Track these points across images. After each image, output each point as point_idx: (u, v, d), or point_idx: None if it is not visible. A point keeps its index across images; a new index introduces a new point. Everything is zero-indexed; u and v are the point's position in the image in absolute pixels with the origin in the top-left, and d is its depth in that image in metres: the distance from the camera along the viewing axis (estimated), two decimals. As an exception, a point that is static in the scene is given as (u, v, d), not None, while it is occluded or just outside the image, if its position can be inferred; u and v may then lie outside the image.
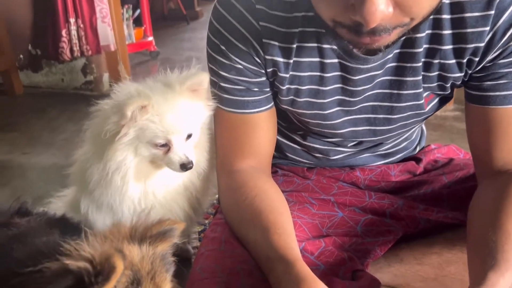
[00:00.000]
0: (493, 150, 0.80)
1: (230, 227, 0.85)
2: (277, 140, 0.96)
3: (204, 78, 0.89)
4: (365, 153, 0.99)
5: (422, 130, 1.10)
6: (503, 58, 0.76)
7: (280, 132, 0.96)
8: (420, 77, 0.81)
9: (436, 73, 0.80)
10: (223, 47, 0.81)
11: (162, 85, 0.92)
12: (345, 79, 0.82)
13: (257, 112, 0.86)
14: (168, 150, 0.92)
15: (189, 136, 0.94)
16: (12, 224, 0.81)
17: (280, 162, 1.05)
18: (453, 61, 0.78)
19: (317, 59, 0.80)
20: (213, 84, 0.87)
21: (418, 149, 1.08)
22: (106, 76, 2.86)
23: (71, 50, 2.54)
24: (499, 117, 0.79)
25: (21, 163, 1.93)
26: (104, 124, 0.88)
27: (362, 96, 0.84)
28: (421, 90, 0.82)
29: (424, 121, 1.06)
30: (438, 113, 0.96)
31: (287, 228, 0.78)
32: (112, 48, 2.68)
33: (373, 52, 0.76)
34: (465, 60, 0.77)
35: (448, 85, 0.81)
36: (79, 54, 2.58)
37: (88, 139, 0.97)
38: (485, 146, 0.81)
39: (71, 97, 2.82)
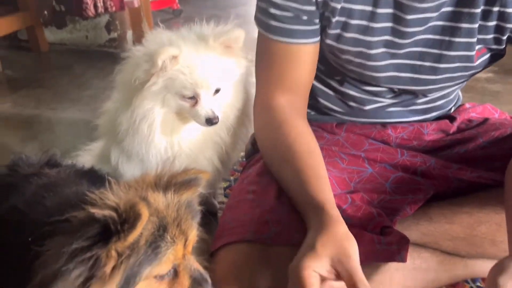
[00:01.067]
0: None
1: (265, 163, 0.86)
2: (312, 85, 0.94)
3: (240, 35, 0.87)
4: (400, 107, 0.96)
5: (459, 93, 1.06)
6: None
7: (316, 77, 0.94)
8: (476, 25, 0.77)
9: (494, 23, 0.77)
10: None
11: (195, 37, 0.90)
12: (397, 18, 0.79)
13: (303, 43, 0.84)
14: (195, 103, 0.91)
15: (217, 91, 0.93)
16: (42, 174, 0.82)
17: (309, 118, 1.03)
18: (496, 8, 0.75)
19: (365, 7, 0.78)
20: (261, 11, 0.84)
21: (453, 109, 1.05)
22: (129, 34, 2.84)
23: (95, 6, 2.51)
24: None
25: (48, 118, 1.95)
26: (135, 71, 0.87)
27: (412, 40, 0.81)
28: (475, 40, 0.79)
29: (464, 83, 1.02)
30: None
31: (321, 171, 0.78)
32: (136, 5, 2.65)
33: None
34: (509, 10, 0.74)
35: (505, 37, 0.78)
36: (102, 11, 2.56)
37: (118, 86, 0.97)
38: None
39: (95, 54, 2.82)
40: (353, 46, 0.83)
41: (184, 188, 0.65)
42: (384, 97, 0.94)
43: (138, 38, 2.90)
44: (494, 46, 0.80)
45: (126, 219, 0.55)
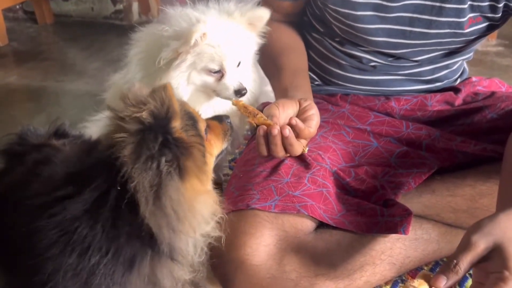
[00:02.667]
0: None
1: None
2: (314, 51, 0.98)
3: (265, 15, 0.91)
4: (401, 75, 0.96)
5: (464, 66, 1.05)
6: None
7: (318, 40, 0.98)
8: None
9: None
10: None
11: (217, 12, 0.92)
12: None
13: None
14: (221, 77, 0.92)
15: (239, 64, 0.94)
16: (50, 146, 0.83)
17: (314, 89, 1.03)
18: None
19: None
20: None
21: (458, 81, 1.04)
22: (135, 6, 2.81)
23: (100, -23, 2.48)
24: None
25: (55, 90, 1.95)
26: (161, 51, 0.88)
27: (401, 3, 0.80)
28: (466, 6, 0.78)
29: (470, 56, 1.01)
30: (479, 47, 0.91)
31: (296, 68, 0.91)
32: (141, -24, 2.62)
33: None
34: None
35: (501, 5, 0.76)
36: (108, -18, 2.53)
37: (134, 63, 0.97)
38: None
39: (101, 27, 2.80)
40: (340, 7, 0.84)
41: None
42: (382, 60, 0.94)
43: (144, 10, 2.88)
44: (490, 15, 0.79)
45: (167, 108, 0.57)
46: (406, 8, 0.81)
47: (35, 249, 0.58)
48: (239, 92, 0.92)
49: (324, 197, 0.77)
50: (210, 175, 0.66)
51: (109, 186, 0.58)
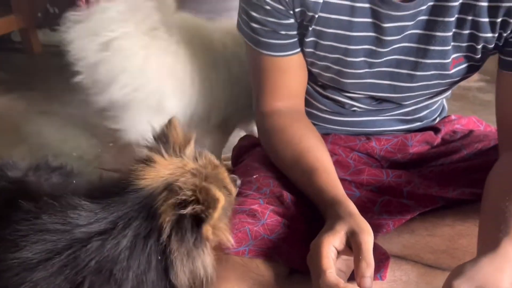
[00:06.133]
0: None
1: (277, 166, 0.88)
2: None
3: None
4: (382, 116, 0.96)
5: (443, 104, 1.06)
6: None
7: None
8: (451, 34, 0.78)
9: (468, 31, 0.77)
10: None
11: None
12: (376, 26, 0.79)
13: (284, 56, 0.85)
14: None
15: None
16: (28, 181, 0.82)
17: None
18: (486, 19, 0.75)
19: (347, 2, 0.78)
20: (243, 22, 0.86)
21: (438, 120, 1.05)
22: (123, 37, 2.84)
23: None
24: None
25: (38, 121, 1.94)
26: None
27: (390, 48, 0.81)
28: (449, 48, 0.79)
29: (449, 95, 1.02)
30: (461, 83, 0.93)
31: (331, 167, 0.81)
32: (130, 8, 2.65)
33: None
34: (499, 20, 0.75)
35: (479, 46, 0.78)
36: (96, 13, 2.56)
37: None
38: (507, 121, 0.80)
39: (89, 57, 2.82)
40: (331, 53, 0.84)
41: None
42: (365, 104, 0.94)
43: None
44: (470, 54, 0.80)
45: (208, 204, 0.59)
46: (394, 51, 0.83)
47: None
48: None
49: (301, 243, 0.76)
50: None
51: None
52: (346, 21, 0.79)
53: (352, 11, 0.78)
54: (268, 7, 0.79)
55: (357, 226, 0.67)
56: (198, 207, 0.59)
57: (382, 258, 0.77)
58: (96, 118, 1.89)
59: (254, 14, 0.81)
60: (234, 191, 0.74)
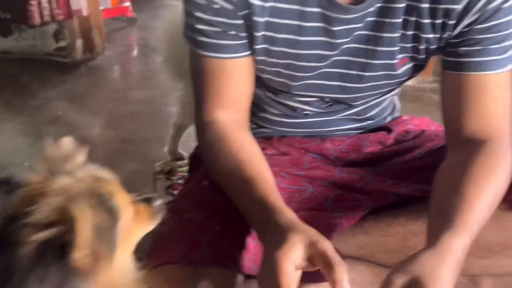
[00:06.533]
0: (463, 117, 0.80)
1: (215, 180, 0.84)
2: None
3: None
4: (334, 115, 0.97)
5: (394, 103, 1.08)
6: (480, 23, 0.74)
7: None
8: (397, 35, 0.79)
9: (412, 32, 0.79)
10: None
11: None
12: (326, 30, 0.79)
13: (234, 57, 0.83)
14: None
15: None
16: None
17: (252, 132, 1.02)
18: (428, 20, 0.76)
19: (297, 7, 0.77)
20: (189, 27, 0.83)
21: (389, 118, 1.06)
22: (79, 43, 2.77)
23: (41, 14, 2.44)
24: (472, 84, 0.78)
25: (-13, 131, 1.87)
26: None
27: (339, 50, 0.82)
28: (396, 48, 0.81)
29: (398, 92, 1.04)
30: (416, 85, 0.96)
31: (270, 178, 0.78)
32: (85, 13, 2.59)
33: (356, 2, 0.75)
34: (438, 22, 0.76)
35: (422, 47, 0.80)
36: (49, 19, 2.48)
37: None
38: (455, 113, 0.81)
39: (43, 64, 2.74)
40: (282, 59, 0.83)
41: None
42: (316, 107, 0.94)
43: (88, 47, 2.84)
44: (414, 55, 0.82)
45: (69, 226, 0.52)
46: (343, 53, 0.83)
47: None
48: None
49: (254, 247, 0.75)
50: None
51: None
52: (296, 25, 0.79)
53: (302, 15, 0.78)
54: (217, 6, 0.78)
55: (311, 236, 0.65)
56: (56, 231, 0.52)
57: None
58: (49, 126, 1.84)
59: (202, 15, 0.79)
60: (127, 206, 0.64)
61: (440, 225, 0.69)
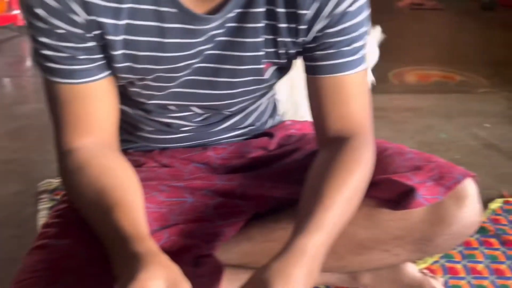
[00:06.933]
0: (326, 118, 0.82)
1: (81, 213, 0.76)
2: (126, 115, 0.90)
3: None
4: (214, 128, 0.96)
5: (274, 105, 1.09)
6: (330, 27, 0.77)
7: (121, 111, 0.88)
8: (261, 39, 0.79)
9: (272, 36, 0.79)
10: (38, 10, 0.69)
11: None
12: (189, 44, 0.77)
13: (89, 82, 0.76)
14: None
15: None
16: None
17: (130, 146, 0.98)
18: (284, 25, 0.78)
19: (155, 24, 0.74)
20: (35, 52, 0.75)
21: (270, 122, 1.07)
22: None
23: None
24: (330, 86, 0.81)
25: None
26: None
27: (204, 57, 0.80)
28: (261, 53, 0.81)
29: (274, 94, 1.05)
30: None
31: (133, 205, 0.72)
32: (-37, 22, 2.37)
33: (215, 9, 0.74)
34: (293, 26, 0.78)
35: (282, 51, 0.81)
36: None
37: None
38: (319, 115, 0.83)
39: None
40: (147, 75, 0.80)
41: None
42: (192, 121, 0.93)
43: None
44: (275, 60, 0.83)
45: None
46: (209, 59, 0.81)
47: None
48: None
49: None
50: None
51: None
52: (157, 42, 0.75)
53: (162, 32, 0.75)
54: (61, 31, 0.71)
55: (174, 274, 0.60)
56: None
57: (214, 272, 0.76)
58: None
59: (46, 40, 0.72)
60: None
61: (296, 226, 0.71)
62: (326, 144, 0.84)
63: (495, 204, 1.36)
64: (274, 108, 1.09)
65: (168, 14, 0.73)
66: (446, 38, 2.99)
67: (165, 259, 0.63)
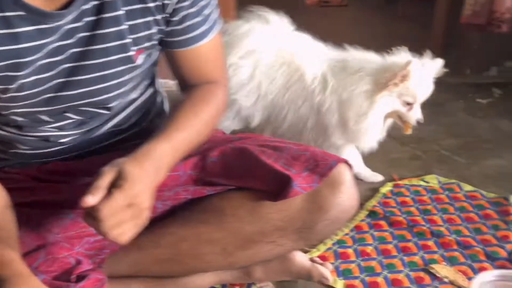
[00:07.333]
0: (186, 79, 0.93)
1: None
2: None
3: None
4: (95, 132, 0.94)
5: (162, 103, 1.07)
6: (184, 1, 0.83)
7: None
8: (125, 27, 0.80)
9: (142, 20, 0.82)
10: None
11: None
12: (48, 43, 0.76)
13: None
14: (410, 108, 1.33)
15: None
16: None
17: (8, 164, 0.95)
18: (152, 4, 0.81)
19: (5, 31, 0.72)
20: None
21: (157, 122, 1.02)
22: None
23: None
24: (186, 57, 0.90)
25: None
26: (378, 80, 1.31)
27: (67, 56, 0.79)
28: (128, 41, 0.81)
29: (159, 90, 1.04)
30: None
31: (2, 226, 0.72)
32: None
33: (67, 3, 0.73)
34: (160, 3, 0.81)
35: (154, 31, 0.84)
36: None
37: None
38: (180, 77, 0.94)
39: None
40: (8, 84, 0.77)
41: None
42: (71, 129, 0.90)
43: None
44: (147, 44, 0.85)
45: None
46: (71, 59, 0.80)
47: None
48: (417, 122, 1.34)
49: None
50: None
51: None
52: (13, 50, 0.73)
53: (15, 38, 0.73)
54: None
55: None
56: None
57: (96, 285, 0.76)
58: None
59: None
60: None
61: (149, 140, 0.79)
62: (186, 89, 0.93)
63: (386, 188, 1.46)
64: (162, 107, 1.07)
65: (16, 19, 0.72)
66: (351, 32, 3.13)
67: (33, 281, 0.63)
